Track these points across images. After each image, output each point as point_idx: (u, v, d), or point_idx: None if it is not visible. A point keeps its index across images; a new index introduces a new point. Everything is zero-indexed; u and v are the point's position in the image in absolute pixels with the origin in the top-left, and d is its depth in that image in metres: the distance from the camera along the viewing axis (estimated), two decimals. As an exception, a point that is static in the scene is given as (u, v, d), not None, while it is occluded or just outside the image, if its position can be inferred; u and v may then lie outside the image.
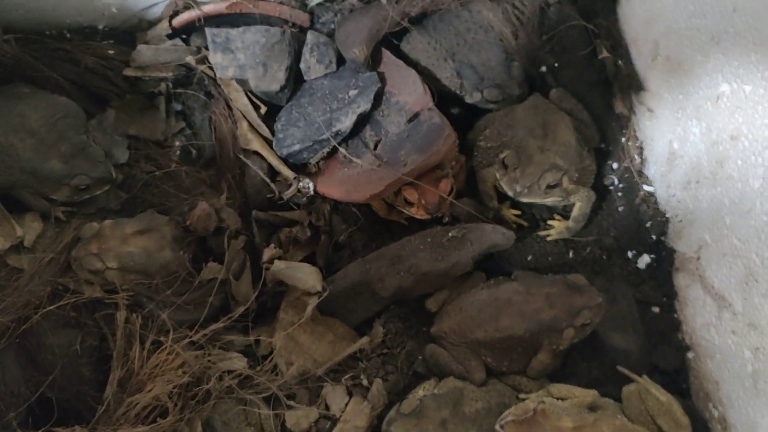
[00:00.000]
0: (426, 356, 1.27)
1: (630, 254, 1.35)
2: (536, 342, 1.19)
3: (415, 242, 1.31)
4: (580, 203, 1.32)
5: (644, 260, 1.34)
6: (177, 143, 1.45)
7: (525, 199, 1.21)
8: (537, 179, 1.21)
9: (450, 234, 1.29)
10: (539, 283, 1.22)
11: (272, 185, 1.32)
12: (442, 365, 1.24)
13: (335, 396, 1.21)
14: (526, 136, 1.30)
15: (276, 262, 1.24)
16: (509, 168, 1.23)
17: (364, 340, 1.26)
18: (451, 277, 1.30)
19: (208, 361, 1.18)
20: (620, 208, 1.39)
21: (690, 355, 1.26)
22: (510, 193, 1.22)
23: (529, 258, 1.36)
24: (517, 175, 1.22)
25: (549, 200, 1.23)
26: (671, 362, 1.27)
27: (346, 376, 1.24)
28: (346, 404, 1.20)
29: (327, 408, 1.21)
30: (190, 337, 1.17)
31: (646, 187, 1.38)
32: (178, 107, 1.48)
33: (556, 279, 1.22)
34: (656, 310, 1.31)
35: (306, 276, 1.23)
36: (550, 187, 1.21)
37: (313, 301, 1.21)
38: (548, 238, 1.35)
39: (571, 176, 1.27)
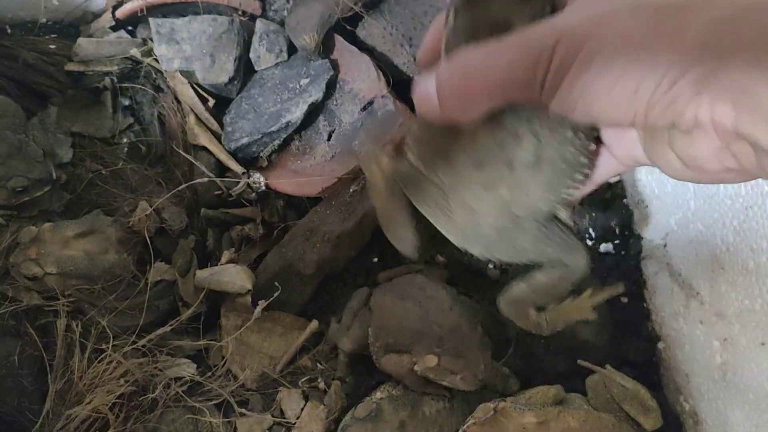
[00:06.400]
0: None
1: (596, 243, 1.29)
2: (410, 342, 1.12)
3: (322, 210, 1.25)
4: None
5: (608, 248, 1.28)
6: (125, 140, 1.39)
7: None
8: None
9: (351, 189, 1.24)
10: (468, 313, 1.14)
11: (219, 182, 1.25)
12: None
13: (290, 401, 1.16)
14: None
15: (197, 272, 1.19)
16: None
17: (314, 324, 1.21)
18: (366, 229, 1.24)
19: (154, 368, 1.12)
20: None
21: (660, 345, 1.21)
22: None
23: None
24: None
25: None
26: (641, 353, 1.22)
27: (303, 379, 1.18)
28: (302, 409, 1.15)
29: (282, 414, 1.15)
30: (134, 343, 1.12)
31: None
32: (126, 102, 1.41)
33: (478, 330, 1.13)
34: (624, 300, 1.26)
35: (233, 278, 1.17)
36: None
37: (247, 300, 1.17)
38: None
39: None
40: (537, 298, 0.68)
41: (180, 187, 1.22)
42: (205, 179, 1.24)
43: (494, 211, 0.58)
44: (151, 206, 1.19)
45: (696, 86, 0.35)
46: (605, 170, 0.56)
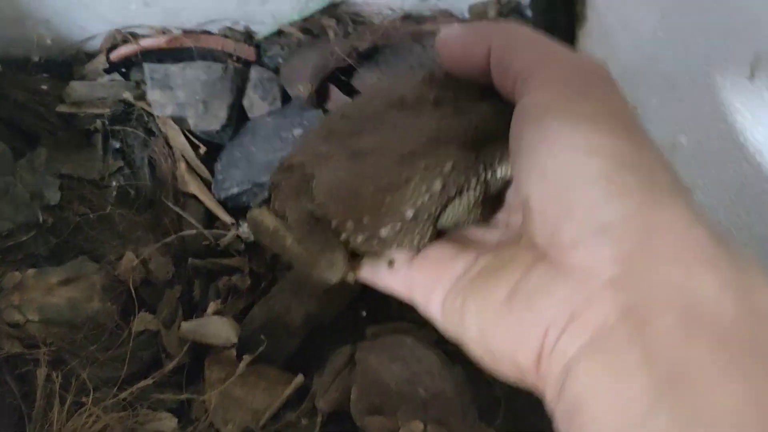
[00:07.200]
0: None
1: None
2: (395, 404, 1.08)
3: None
4: None
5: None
6: (114, 183, 1.37)
7: None
8: None
9: None
10: (456, 377, 1.12)
11: (206, 233, 1.24)
12: None
13: (272, 457, 1.14)
14: None
15: (183, 324, 1.17)
16: None
17: (299, 379, 1.20)
18: (355, 283, 1.23)
19: (134, 422, 1.10)
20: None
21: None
22: None
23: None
24: None
25: None
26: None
27: (286, 435, 1.17)
28: (283, 466, 1.13)
29: (263, 470, 1.13)
30: (115, 396, 1.10)
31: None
32: (117, 145, 1.40)
33: (465, 396, 1.11)
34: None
35: (218, 330, 1.17)
36: None
37: (232, 354, 1.16)
38: None
39: None
40: None
41: (168, 239, 1.21)
42: (194, 231, 1.23)
43: None
44: (138, 256, 1.18)
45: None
46: (394, 281, 0.53)
